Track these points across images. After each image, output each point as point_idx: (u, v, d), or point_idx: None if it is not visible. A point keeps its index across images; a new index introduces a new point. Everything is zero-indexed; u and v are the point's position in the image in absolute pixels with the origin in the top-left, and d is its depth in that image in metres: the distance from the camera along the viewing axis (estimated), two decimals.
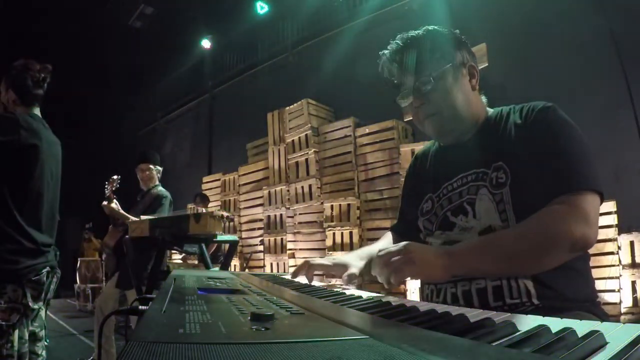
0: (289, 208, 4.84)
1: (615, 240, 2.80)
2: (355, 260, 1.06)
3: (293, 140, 4.84)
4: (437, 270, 0.75)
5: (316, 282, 1.02)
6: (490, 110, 1.04)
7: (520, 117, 0.93)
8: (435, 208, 1.02)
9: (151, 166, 3.16)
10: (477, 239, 0.89)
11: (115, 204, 2.91)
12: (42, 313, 1.70)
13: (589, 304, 0.85)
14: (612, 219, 2.80)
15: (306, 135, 4.67)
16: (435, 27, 1.02)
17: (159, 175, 3.22)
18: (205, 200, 5.03)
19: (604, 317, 0.85)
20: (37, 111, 1.73)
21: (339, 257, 1.10)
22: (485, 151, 0.95)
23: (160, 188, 3.16)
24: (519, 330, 0.43)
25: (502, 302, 0.84)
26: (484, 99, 1.06)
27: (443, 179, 1.03)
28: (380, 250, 0.77)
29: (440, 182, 1.03)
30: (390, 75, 1.03)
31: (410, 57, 0.99)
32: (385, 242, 1.18)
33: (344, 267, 1.02)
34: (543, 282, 0.82)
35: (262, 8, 6.30)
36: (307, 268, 1.01)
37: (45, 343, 1.74)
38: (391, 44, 1.02)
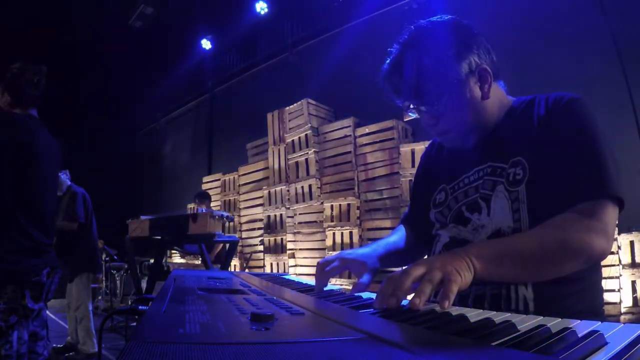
0: (289, 208, 4.84)
1: (615, 240, 2.80)
2: (371, 258, 0.95)
3: (293, 140, 4.84)
4: (464, 273, 0.65)
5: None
6: (513, 100, 0.97)
7: (545, 108, 0.86)
8: (449, 200, 0.97)
9: None
10: (493, 241, 0.82)
11: None
12: (44, 312, 1.70)
13: (591, 317, 0.79)
14: None
15: (306, 135, 4.67)
16: (435, 24, 0.93)
17: (66, 176, 3.55)
18: (204, 198, 4.97)
19: None
20: (34, 112, 1.74)
21: (354, 252, 0.97)
22: (504, 144, 0.89)
23: (73, 187, 3.53)
24: (519, 331, 0.43)
25: (498, 311, 0.80)
26: (502, 86, 0.98)
27: (460, 170, 0.97)
28: (388, 278, 0.64)
29: (456, 173, 0.97)
30: (392, 94, 0.94)
31: (409, 77, 0.88)
32: (398, 237, 1.09)
33: (362, 265, 0.93)
34: (544, 295, 0.78)
35: (262, 8, 6.29)
36: (321, 276, 0.91)
37: (48, 342, 1.74)
38: (389, 57, 0.93)
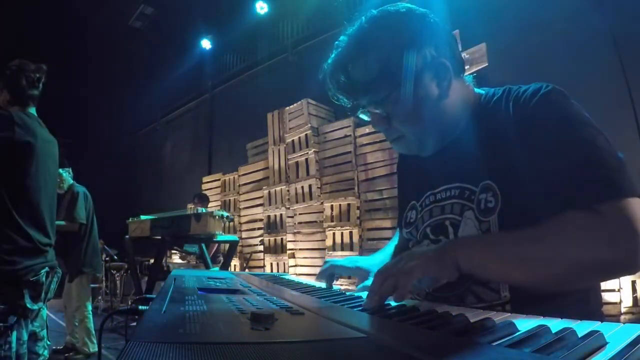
0: (289, 208, 4.84)
1: None
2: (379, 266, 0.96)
3: (293, 140, 4.83)
4: (445, 262, 0.63)
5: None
6: (482, 94, 0.85)
7: (515, 108, 0.75)
8: (417, 220, 0.89)
9: None
10: (485, 234, 0.73)
11: None
12: (44, 313, 1.70)
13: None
14: None
15: (306, 135, 4.67)
16: (387, 13, 0.80)
17: (68, 174, 3.62)
18: (204, 200, 5.01)
19: None
20: (32, 111, 1.73)
21: (362, 260, 0.98)
22: (473, 159, 0.78)
23: (75, 186, 3.59)
24: (519, 330, 0.43)
25: None
26: (468, 80, 0.86)
27: (427, 186, 0.88)
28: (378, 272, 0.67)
29: (424, 188, 0.89)
30: (337, 93, 0.85)
31: (354, 72, 0.79)
32: (394, 242, 1.09)
33: (367, 272, 0.94)
34: (523, 309, 0.67)
35: (262, 8, 6.29)
36: (328, 274, 0.93)
37: (48, 343, 1.74)
38: (334, 51, 0.82)
